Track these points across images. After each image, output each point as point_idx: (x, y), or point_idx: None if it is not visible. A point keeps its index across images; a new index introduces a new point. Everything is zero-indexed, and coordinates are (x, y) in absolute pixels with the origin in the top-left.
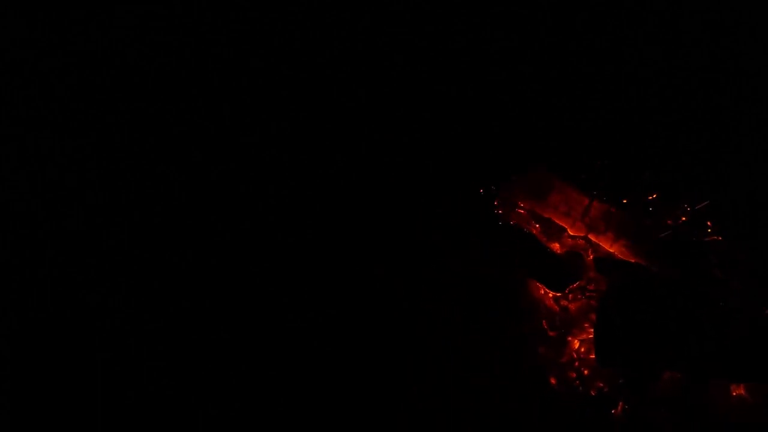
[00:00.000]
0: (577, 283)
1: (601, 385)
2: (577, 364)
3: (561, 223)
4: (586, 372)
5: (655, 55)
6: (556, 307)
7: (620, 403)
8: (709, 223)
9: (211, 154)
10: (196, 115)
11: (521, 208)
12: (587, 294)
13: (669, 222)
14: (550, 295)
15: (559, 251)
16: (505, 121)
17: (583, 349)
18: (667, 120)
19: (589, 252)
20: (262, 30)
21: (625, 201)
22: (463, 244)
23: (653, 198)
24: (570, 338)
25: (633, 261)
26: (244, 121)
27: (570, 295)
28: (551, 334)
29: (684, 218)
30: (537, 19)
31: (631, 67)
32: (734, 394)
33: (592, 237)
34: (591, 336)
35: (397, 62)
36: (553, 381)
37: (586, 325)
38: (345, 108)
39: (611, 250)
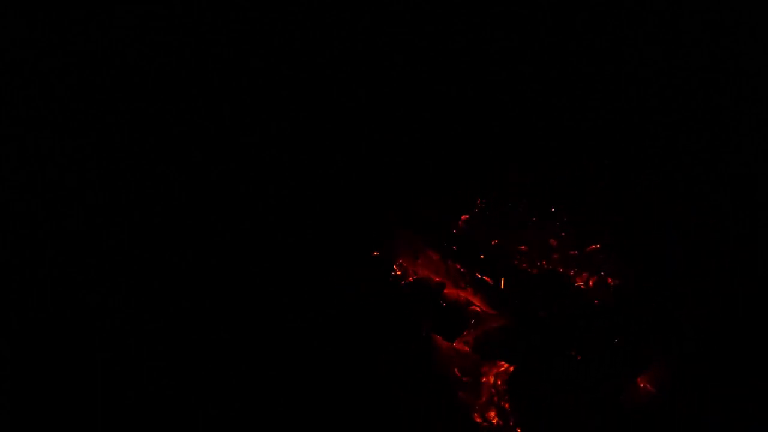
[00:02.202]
0: (467, 330)
1: (521, 415)
2: (496, 399)
3: (439, 279)
4: (506, 406)
5: (655, 55)
6: (467, 349)
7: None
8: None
9: (211, 154)
10: (196, 115)
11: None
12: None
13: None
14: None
15: (444, 304)
16: (505, 121)
17: (499, 383)
18: (667, 120)
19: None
20: (262, 30)
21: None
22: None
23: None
24: (484, 378)
25: (493, 313)
26: (244, 121)
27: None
28: (465, 379)
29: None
30: (537, 19)
31: (631, 67)
32: (641, 385)
33: (460, 293)
34: (503, 369)
35: (397, 62)
36: (478, 420)
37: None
38: (345, 108)
39: (476, 302)
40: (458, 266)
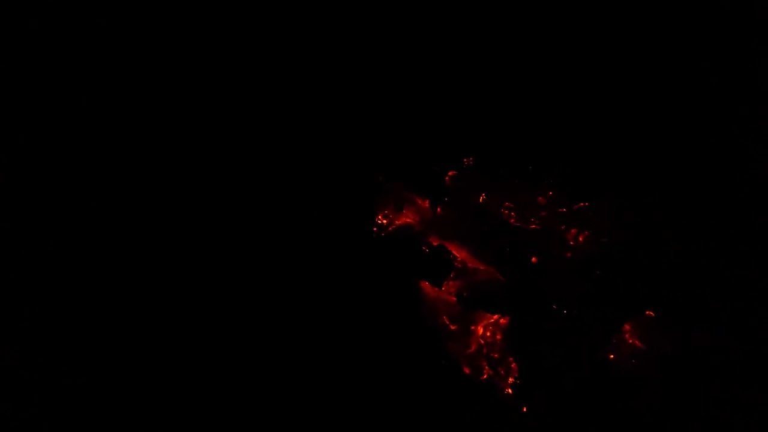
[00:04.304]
0: (452, 274)
1: (513, 364)
2: (485, 350)
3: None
4: (496, 356)
5: (654, 55)
6: (453, 299)
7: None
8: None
9: (211, 154)
10: (196, 115)
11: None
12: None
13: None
14: (444, 289)
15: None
16: (504, 120)
17: (488, 334)
18: (667, 120)
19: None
20: (262, 30)
21: (467, 208)
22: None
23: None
24: (473, 327)
25: (482, 268)
26: (244, 121)
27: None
28: (453, 328)
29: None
30: (537, 20)
31: (631, 68)
32: (630, 342)
33: (446, 244)
34: (492, 320)
35: (397, 62)
36: (467, 371)
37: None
38: (345, 108)
39: (460, 257)
40: (451, 213)
